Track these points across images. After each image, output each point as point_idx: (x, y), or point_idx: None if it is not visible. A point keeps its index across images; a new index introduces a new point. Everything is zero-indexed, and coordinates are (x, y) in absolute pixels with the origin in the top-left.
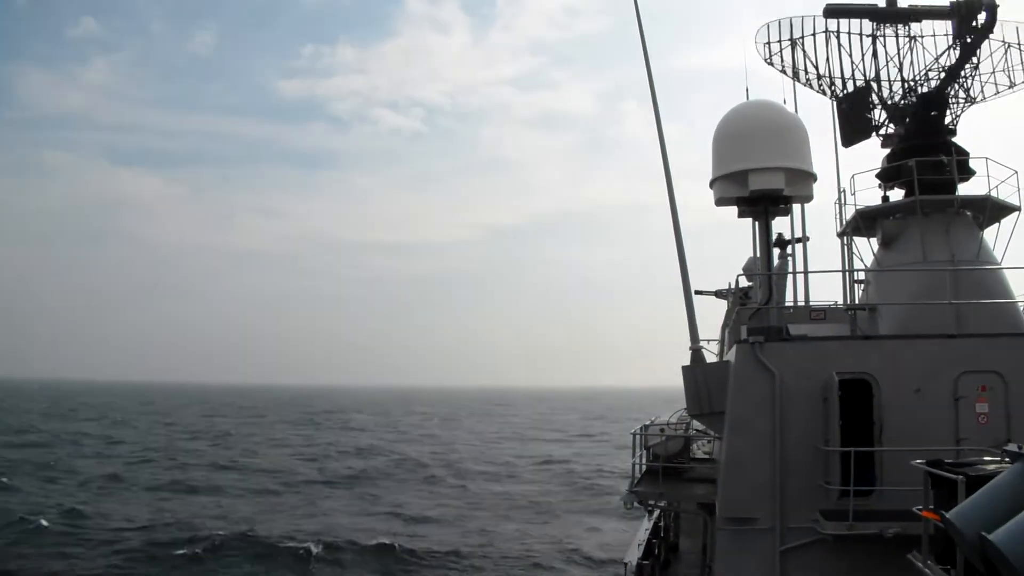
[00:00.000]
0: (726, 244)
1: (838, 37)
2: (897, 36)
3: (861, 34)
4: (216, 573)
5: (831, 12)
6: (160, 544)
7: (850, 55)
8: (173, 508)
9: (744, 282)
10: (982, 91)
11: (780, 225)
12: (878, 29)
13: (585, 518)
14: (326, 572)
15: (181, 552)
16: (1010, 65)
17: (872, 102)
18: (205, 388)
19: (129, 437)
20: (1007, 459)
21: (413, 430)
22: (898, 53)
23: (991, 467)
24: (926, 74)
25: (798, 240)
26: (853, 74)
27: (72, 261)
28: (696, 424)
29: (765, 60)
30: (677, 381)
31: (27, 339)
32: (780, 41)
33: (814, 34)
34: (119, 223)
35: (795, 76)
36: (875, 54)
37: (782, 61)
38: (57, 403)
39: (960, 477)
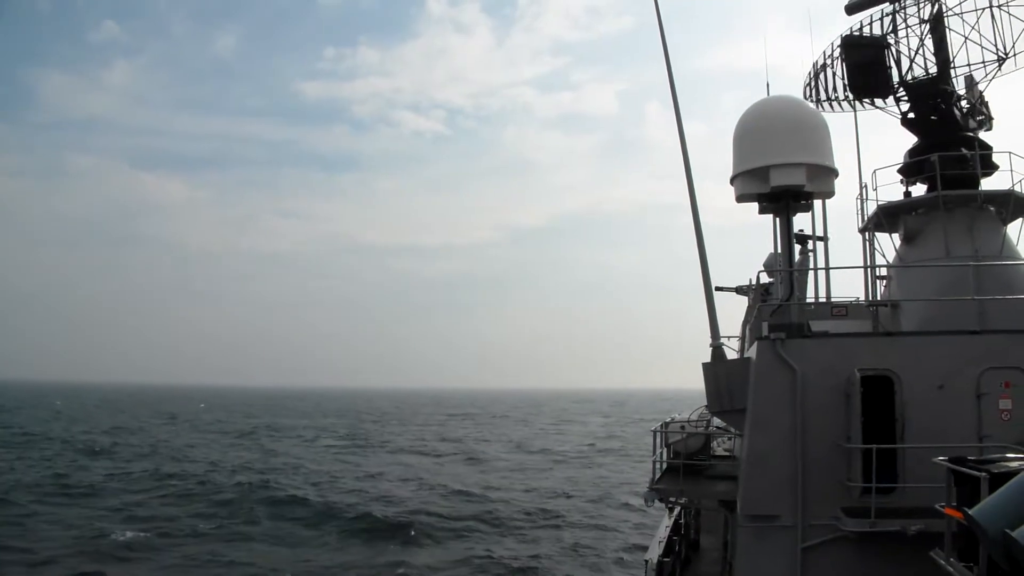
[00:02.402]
0: (748, 243)
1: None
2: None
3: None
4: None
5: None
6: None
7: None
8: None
9: (765, 278)
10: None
11: (801, 221)
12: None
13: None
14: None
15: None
16: None
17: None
18: (228, 391)
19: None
20: None
21: (468, 427)
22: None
23: (1014, 464)
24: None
25: (819, 238)
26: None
27: (95, 265)
28: (716, 421)
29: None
30: (700, 382)
31: (49, 343)
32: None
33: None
34: (142, 227)
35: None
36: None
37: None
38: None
39: (983, 474)
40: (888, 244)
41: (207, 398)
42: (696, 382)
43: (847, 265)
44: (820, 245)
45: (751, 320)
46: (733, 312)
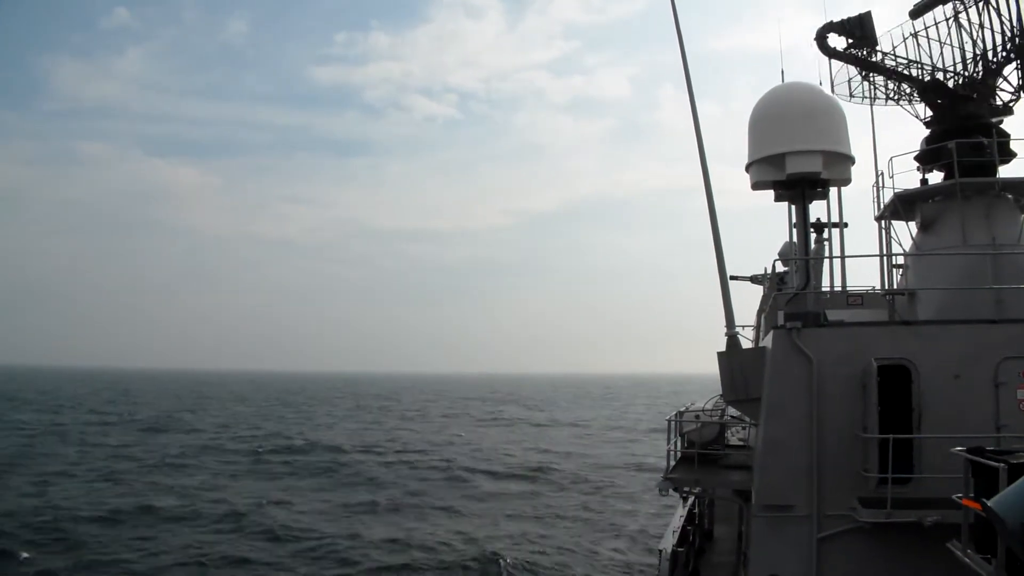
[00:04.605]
0: (763, 228)
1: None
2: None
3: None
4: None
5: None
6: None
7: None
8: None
9: (780, 267)
10: None
11: (817, 209)
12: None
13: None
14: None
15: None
16: None
17: None
18: (239, 376)
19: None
20: None
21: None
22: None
23: None
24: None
25: (835, 225)
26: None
27: (106, 251)
28: (731, 410)
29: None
30: (713, 368)
31: (60, 328)
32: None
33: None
34: (153, 213)
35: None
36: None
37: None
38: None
39: (1001, 465)
40: (904, 232)
41: (227, 384)
42: (711, 368)
43: (863, 253)
44: (836, 233)
45: (766, 309)
46: (748, 300)
